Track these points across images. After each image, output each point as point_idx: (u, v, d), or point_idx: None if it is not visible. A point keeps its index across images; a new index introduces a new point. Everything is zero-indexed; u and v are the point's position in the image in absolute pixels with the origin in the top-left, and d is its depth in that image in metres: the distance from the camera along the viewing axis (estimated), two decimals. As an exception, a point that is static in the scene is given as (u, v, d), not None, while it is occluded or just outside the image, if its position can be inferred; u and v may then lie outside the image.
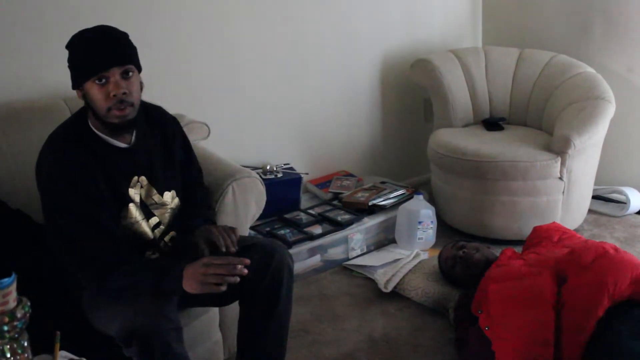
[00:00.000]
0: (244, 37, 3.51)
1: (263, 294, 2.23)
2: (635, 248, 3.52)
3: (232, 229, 2.21)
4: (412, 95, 4.31)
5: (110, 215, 2.09)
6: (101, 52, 2.01)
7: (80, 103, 2.15)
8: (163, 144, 2.27)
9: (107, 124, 2.07)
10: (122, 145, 2.14)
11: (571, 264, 2.54)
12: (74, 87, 2.07)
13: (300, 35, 3.74)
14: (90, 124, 2.11)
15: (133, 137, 2.17)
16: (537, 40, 4.25)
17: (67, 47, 2.06)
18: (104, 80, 2.00)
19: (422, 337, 2.88)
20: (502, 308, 2.51)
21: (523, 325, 2.41)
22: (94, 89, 2.02)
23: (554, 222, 3.16)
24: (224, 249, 2.14)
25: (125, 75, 2.03)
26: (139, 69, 2.12)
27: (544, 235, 2.96)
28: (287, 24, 3.68)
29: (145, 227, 2.20)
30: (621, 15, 3.91)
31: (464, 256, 2.99)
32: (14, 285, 1.36)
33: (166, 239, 2.28)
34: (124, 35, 2.10)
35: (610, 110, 3.63)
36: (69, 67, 2.06)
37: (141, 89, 2.15)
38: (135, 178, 2.18)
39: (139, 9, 3.04)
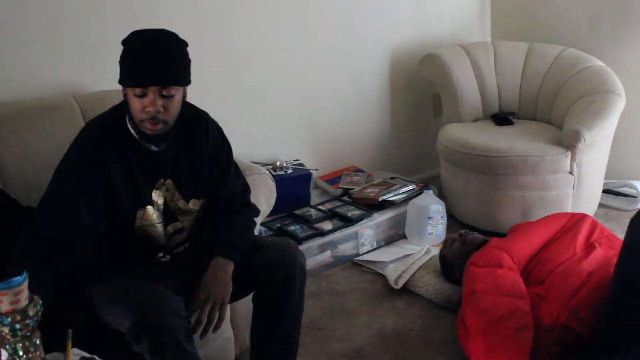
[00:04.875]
0: (254, 35, 3.51)
1: (275, 292, 2.23)
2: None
3: (223, 305, 2.12)
4: (421, 90, 4.31)
5: (89, 225, 2.04)
6: (146, 67, 1.98)
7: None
8: (194, 152, 2.24)
9: (139, 130, 2.07)
10: (153, 148, 2.13)
11: None
12: (119, 83, 2.05)
13: (310, 32, 3.74)
14: (127, 119, 2.11)
15: (165, 142, 2.14)
16: (546, 34, 4.24)
17: (123, 43, 2.03)
18: (141, 94, 1.99)
19: (432, 333, 2.88)
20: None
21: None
22: (132, 97, 2.01)
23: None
24: (199, 332, 2.07)
25: (165, 94, 2.00)
26: (186, 84, 2.09)
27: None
28: (297, 20, 3.68)
29: (159, 230, 2.20)
30: (631, 8, 3.89)
31: (464, 234, 3.13)
32: (26, 284, 1.37)
33: (185, 245, 2.30)
34: (180, 50, 2.05)
35: (620, 104, 3.63)
36: (119, 62, 2.03)
37: (184, 98, 2.13)
38: (161, 180, 2.18)
39: (149, 7, 3.05)
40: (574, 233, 2.88)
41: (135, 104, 2.02)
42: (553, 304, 2.47)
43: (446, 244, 3.19)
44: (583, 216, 2.98)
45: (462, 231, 3.19)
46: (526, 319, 2.43)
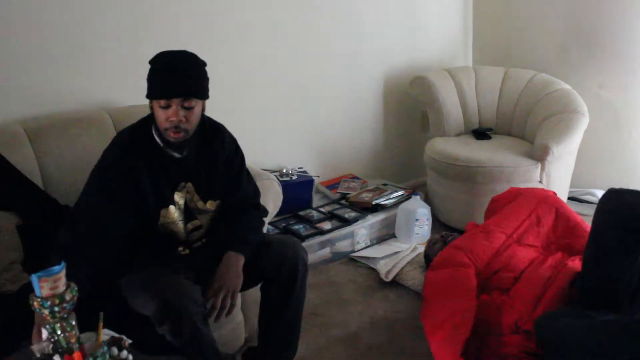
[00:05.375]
0: (266, 60, 3.53)
1: (281, 283, 2.24)
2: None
3: (234, 294, 2.12)
4: (410, 108, 4.31)
5: (119, 222, 2.05)
6: (169, 82, 2.00)
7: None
8: (211, 159, 2.24)
9: (164, 138, 2.09)
10: (176, 155, 2.14)
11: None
12: (146, 97, 2.06)
13: (314, 55, 3.75)
14: (153, 130, 2.12)
15: (186, 150, 2.15)
16: (520, 61, 4.24)
17: (150, 62, 2.05)
18: (166, 105, 2.01)
19: (418, 321, 2.84)
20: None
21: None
22: (157, 108, 2.03)
23: (510, 188, 3.20)
24: (213, 317, 2.07)
25: (186, 105, 2.02)
26: (205, 98, 2.11)
27: (499, 204, 3.09)
28: (303, 45, 3.68)
29: (180, 227, 2.21)
30: (594, 38, 3.90)
31: (444, 235, 3.13)
32: (63, 272, 1.38)
33: (203, 241, 2.30)
34: (199, 68, 2.07)
35: (584, 122, 3.63)
36: (147, 79, 2.05)
37: (203, 111, 2.14)
38: (182, 184, 2.18)
39: (173, 32, 3.06)
40: (537, 231, 2.86)
41: (160, 115, 2.03)
42: (518, 313, 2.43)
43: (430, 244, 3.18)
44: (549, 209, 2.92)
45: (443, 233, 3.18)
46: (465, 316, 2.40)
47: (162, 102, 2.01)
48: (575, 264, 2.65)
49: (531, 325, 2.35)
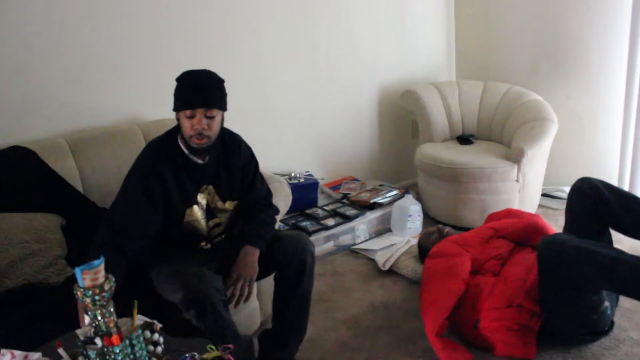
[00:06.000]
0: (276, 79, 3.53)
1: (292, 272, 2.23)
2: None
3: (251, 282, 2.13)
4: (402, 117, 4.31)
5: (150, 220, 2.06)
6: (193, 94, 2.01)
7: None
8: (230, 165, 2.24)
9: (189, 145, 2.09)
10: (199, 161, 2.14)
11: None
12: (173, 110, 2.07)
13: (317, 73, 3.75)
14: (179, 139, 2.12)
15: (208, 156, 2.16)
16: (497, 75, 4.24)
17: (176, 80, 2.06)
18: (191, 115, 2.01)
19: (411, 304, 2.87)
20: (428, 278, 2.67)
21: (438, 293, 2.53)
22: (183, 119, 2.04)
23: (507, 209, 3.16)
24: (233, 303, 2.08)
25: (208, 115, 2.02)
26: (224, 109, 2.11)
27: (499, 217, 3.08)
28: (308, 67, 3.68)
29: (203, 225, 2.21)
30: (561, 55, 3.90)
31: (440, 228, 3.09)
32: (102, 266, 1.38)
33: (222, 236, 2.30)
34: (218, 83, 2.07)
35: (554, 128, 3.62)
36: (173, 94, 2.06)
37: (222, 122, 2.14)
38: (204, 186, 2.18)
39: (195, 54, 3.07)
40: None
41: (186, 124, 2.03)
42: (511, 289, 2.45)
43: (425, 236, 3.15)
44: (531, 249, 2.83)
45: (439, 226, 3.16)
46: (450, 296, 2.45)
47: (188, 113, 2.01)
48: None
49: (523, 298, 2.39)
